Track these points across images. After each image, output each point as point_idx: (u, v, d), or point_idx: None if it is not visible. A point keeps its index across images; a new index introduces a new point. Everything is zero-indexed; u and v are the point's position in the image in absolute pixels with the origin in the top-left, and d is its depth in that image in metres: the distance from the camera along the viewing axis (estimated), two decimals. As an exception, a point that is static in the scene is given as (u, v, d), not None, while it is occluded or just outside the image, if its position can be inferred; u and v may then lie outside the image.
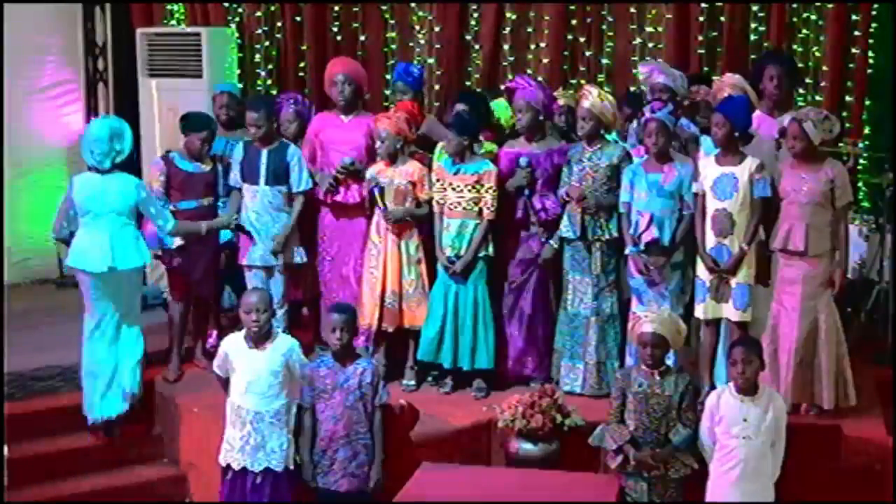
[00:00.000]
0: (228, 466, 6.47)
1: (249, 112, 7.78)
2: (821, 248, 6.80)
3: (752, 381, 5.96)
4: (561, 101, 8.06)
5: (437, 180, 7.49)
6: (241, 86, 10.37)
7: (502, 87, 9.10)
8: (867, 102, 9.39)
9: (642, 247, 7.06)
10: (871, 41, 9.27)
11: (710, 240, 6.93)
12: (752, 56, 9.63)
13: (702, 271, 6.98)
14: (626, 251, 7.20)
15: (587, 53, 10.02)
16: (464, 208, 7.37)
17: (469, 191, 7.36)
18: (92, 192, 7.14)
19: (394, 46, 10.43)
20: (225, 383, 6.61)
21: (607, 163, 7.32)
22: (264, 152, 7.71)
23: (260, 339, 6.48)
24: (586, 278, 7.39)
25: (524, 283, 7.55)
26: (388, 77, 10.43)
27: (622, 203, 7.20)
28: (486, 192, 7.36)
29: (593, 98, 7.35)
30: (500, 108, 8.01)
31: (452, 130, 7.41)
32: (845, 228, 6.94)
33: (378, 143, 7.60)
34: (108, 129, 7.21)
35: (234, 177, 7.79)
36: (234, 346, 6.55)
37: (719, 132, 6.88)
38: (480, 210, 7.39)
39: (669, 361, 6.42)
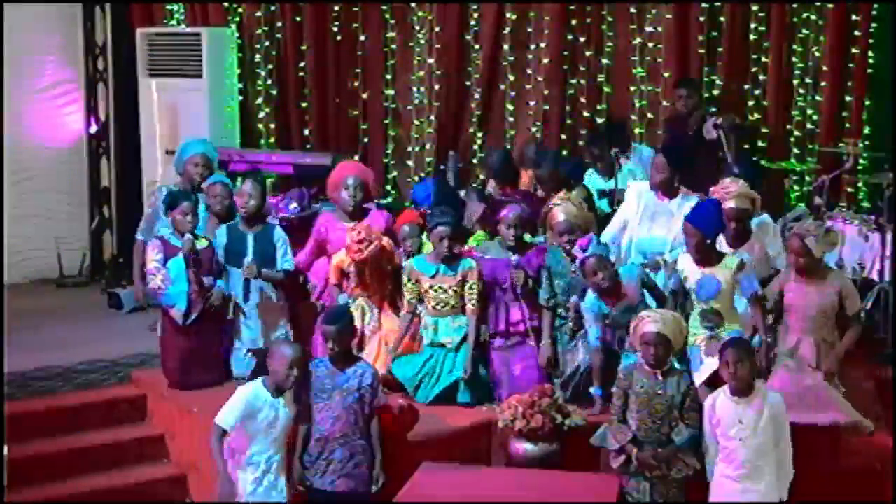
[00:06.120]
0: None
1: (245, 184, 7.64)
2: (829, 358, 6.73)
3: (746, 381, 5.95)
4: None
5: (411, 280, 7.36)
6: (240, 86, 10.43)
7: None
8: (867, 102, 9.40)
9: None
10: (871, 41, 9.27)
11: (701, 332, 6.84)
12: (753, 56, 9.66)
13: (691, 340, 6.76)
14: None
15: (587, 53, 10.03)
16: (452, 307, 7.33)
17: (455, 291, 7.30)
18: None
19: (394, 46, 10.44)
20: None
21: None
22: (250, 236, 7.62)
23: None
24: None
25: (510, 349, 7.40)
26: (388, 77, 10.47)
27: (595, 338, 6.92)
28: (471, 288, 7.29)
29: (568, 207, 7.25)
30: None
31: (431, 230, 7.32)
32: (857, 333, 6.79)
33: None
34: None
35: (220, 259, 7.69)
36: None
37: (691, 241, 6.82)
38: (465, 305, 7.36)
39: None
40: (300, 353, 6.38)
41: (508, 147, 10.02)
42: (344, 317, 6.65)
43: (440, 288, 7.31)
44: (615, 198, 8.46)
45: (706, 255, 6.86)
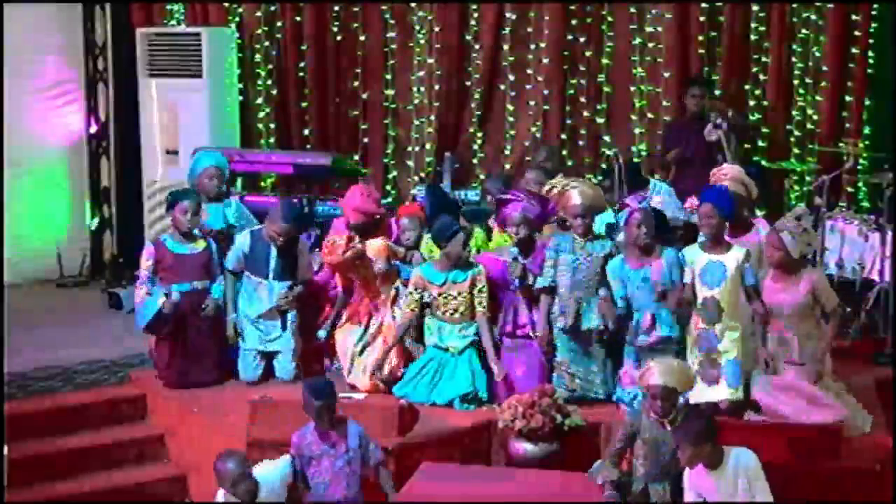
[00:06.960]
0: None
1: (282, 223, 7.53)
2: (815, 353, 6.72)
3: (709, 455, 5.72)
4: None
5: (417, 289, 7.31)
6: (240, 86, 10.43)
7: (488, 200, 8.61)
8: (867, 102, 9.42)
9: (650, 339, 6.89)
10: (871, 41, 9.29)
11: (698, 325, 6.83)
12: (753, 56, 9.67)
13: (688, 353, 6.81)
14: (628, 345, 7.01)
15: (587, 53, 10.05)
16: (462, 314, 7.29)
17: (465, 297, 7.26)
18: None
19: (394, 46, 10.45)
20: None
21: (600, 253, 7.17)
22: (274, 248, 7.61)
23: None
24: (591, 366, 7.25)
25: (515, 350, 7.40)
26: (388, 77, 10.47)
27: (619, 298, 6.98)
28: (480, 291, 7.26)
29: (585, 189, 7.22)
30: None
31: (449, 240, 7.23)
32: (836, 327, 6.80)
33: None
34: None
35: (233, 262, 7.68)
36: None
37: (710, 222, 6.79)
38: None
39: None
40: (242, 462, 5.96)
41: (507, 166, 10.06)
42: (329, 393, 6.27)
43: (449, 295, 7.29)
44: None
45: (718, 241, 6.83)
